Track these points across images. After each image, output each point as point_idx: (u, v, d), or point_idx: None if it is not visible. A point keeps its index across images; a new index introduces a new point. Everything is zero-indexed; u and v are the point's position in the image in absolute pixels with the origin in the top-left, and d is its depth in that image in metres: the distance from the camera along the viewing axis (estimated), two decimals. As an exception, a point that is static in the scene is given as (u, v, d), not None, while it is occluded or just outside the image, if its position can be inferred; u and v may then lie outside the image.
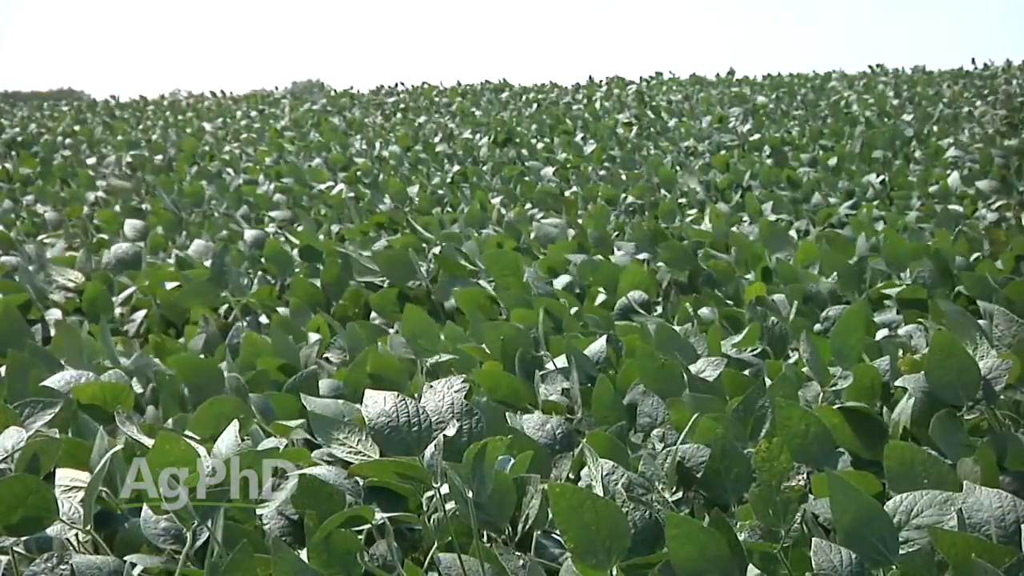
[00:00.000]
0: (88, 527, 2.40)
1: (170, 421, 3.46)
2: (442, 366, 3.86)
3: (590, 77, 24.13)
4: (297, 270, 6.31)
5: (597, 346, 3.75)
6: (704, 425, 2.64)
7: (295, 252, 6.77)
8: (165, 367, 4.04)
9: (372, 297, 5.61)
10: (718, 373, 3.34)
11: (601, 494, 2.22)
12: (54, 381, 3.36)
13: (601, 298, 5.38)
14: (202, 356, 4.30)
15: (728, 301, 5.27)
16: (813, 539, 2.06)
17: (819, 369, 3.26)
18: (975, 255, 5.68)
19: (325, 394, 3.48)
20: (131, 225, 8.20)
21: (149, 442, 2.49)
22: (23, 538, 2.37)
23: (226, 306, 5.79)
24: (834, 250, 5.95)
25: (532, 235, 7.18)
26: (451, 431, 2.40)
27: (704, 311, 4.79)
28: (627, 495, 2.30)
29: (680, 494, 2.55)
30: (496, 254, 6.04)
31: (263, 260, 6.54)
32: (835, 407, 2.94)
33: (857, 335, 3.39)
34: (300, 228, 8.17)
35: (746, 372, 3.56)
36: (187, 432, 3.15)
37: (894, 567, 2.07)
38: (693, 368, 3.32)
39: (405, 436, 2.37)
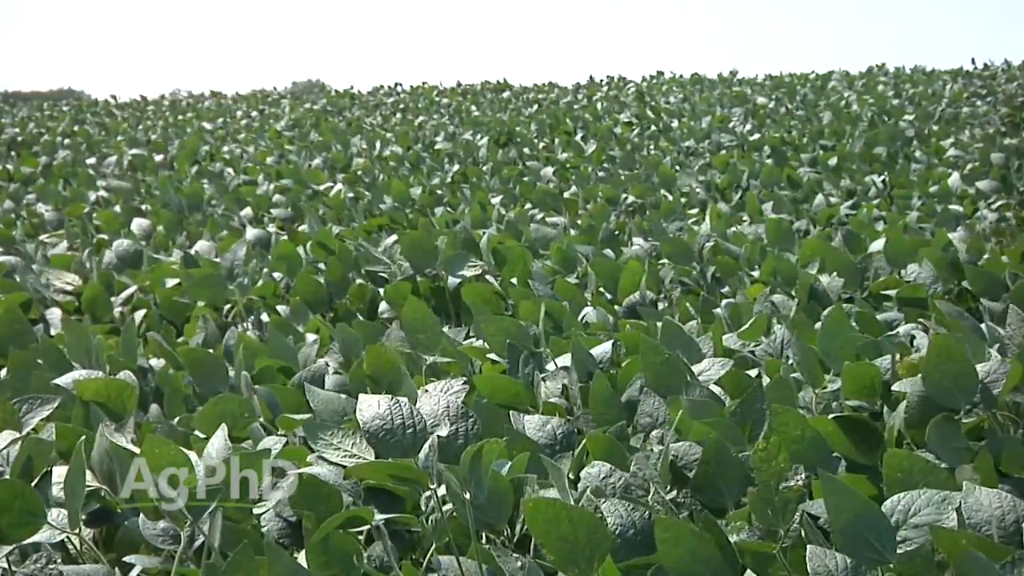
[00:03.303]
0: (77, 530, 2.38)
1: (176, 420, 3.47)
2: (442, 365, 3.86)
3: (590, 77, 24.12)
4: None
5: (603, 348, 3.74)
6: (699, 427, 2.64)
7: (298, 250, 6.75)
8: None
9: (386, 288, 5.60)
10: (723, 373, 3.32)
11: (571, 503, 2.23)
12: (63, 379, 3.35)
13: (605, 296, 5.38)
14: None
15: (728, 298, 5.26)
16: (808, 545, 2.05)
17: (812, 371, 3.25)
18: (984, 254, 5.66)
19: (330, 389, 3.49)
20: (137, 224, 8.22)
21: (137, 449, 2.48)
22: (17, 544, 2.35)
23: (228, 306, 5.79)
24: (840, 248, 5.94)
25: (532, 236, 7.18)
26: (443, 432, 2.41)
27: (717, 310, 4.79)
28: (624, 496, 2.30)
29: (674, 493, 2.55)
30: (503, 249, 6.05)
31: (269, 259, 6.55)
32: (830, 416, 2.93)
33: (842, 337, 3.39)
34: (302, 227, 8.16)
35: (753, 372, 3.54)
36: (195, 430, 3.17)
37: (892, 567, 2.07)
38: (697, 368, 3.30)
39: (400, 439, 2.37)
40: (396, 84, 24.44)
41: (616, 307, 5.14)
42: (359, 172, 11.63)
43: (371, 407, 2.41)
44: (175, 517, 2.35)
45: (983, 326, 3.65)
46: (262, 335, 4.79)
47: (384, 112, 19.91)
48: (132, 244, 7.06)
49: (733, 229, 7.24)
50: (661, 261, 6.13)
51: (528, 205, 9.12)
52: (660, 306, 5.43)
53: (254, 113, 20.61)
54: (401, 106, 20.61)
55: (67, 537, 2.46)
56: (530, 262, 5.85)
